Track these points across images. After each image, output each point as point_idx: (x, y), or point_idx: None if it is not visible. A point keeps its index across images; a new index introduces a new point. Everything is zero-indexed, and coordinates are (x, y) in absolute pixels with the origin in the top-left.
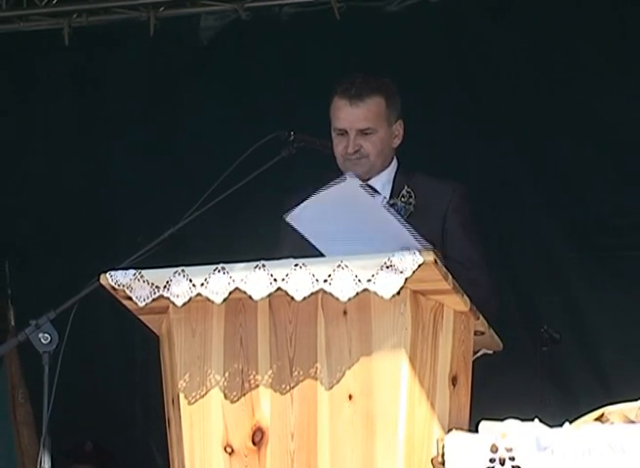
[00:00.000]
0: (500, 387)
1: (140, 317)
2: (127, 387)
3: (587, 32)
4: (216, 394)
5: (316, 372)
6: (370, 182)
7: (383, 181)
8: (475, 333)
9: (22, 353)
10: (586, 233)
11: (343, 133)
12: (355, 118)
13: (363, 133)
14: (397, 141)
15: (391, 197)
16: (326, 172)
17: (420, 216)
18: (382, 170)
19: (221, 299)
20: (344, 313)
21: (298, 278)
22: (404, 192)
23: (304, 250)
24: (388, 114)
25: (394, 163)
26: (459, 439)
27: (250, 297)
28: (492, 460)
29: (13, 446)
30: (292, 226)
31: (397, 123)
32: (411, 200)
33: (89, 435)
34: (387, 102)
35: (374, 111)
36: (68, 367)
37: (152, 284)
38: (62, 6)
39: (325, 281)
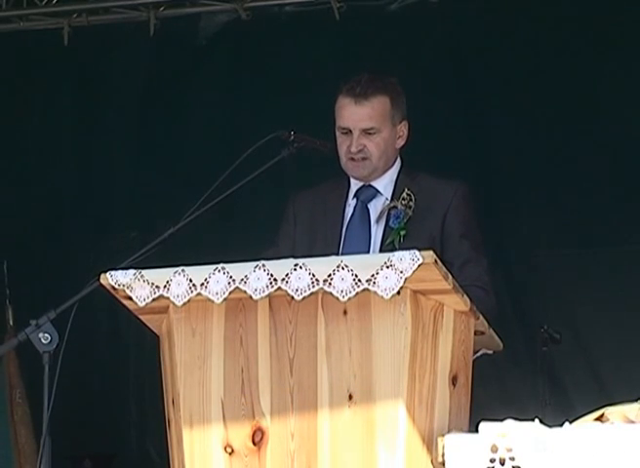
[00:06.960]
0: (500, 387)
1: (140, 317)
2: (127, 387)
3: (588, 30)
4: (216, 394)
5: (316, 372)
6: (372, 183)
7: (386, 182)
8: (475, 333)
9: (20, 353)
10: (588, 232)
11: (347, 131)
12: (359, 117)
13: (367, 132)
14: (401, 142)
15: (392, 199)
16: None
17: (420, 219)
18: (386, 171)
19: (221, 299)
20: (344, 313)
21: (298, 278)
22: (404, 195)
23: (302, 248)
24: (393, 114)
25: (397, 163)
26: (459, 439)
27: (250, 297)
28: (492, 460)
29: (10, 445)
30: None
31: (402, 123)
32: (411, 203)
33: (88, 434)
34: (392, 102)
35: (378, 111)
36: (68, 366)
37: (152, 284)
38: (62, 6)
39: (325, 281)
